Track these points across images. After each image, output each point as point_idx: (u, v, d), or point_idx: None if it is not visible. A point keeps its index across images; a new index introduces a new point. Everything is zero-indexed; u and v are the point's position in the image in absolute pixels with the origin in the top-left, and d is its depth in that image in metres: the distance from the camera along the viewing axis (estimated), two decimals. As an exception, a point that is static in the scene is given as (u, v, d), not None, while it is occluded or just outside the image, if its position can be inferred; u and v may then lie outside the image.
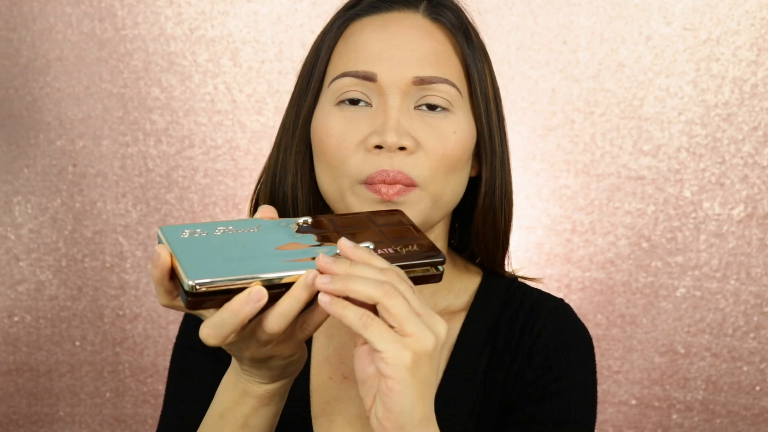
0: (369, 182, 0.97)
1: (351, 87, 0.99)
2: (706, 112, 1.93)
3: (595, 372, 1.06)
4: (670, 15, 1.91)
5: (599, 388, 1.99)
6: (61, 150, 1.99)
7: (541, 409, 1.02)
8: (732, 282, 1.96)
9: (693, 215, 1.95)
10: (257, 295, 0.75)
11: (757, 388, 1.98)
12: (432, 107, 0.99)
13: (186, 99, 1.97)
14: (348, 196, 0.98)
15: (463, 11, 1.05)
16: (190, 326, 1.10)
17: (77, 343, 2.04)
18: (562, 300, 1.10)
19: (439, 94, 0.99)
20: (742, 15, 1.91)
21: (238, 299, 0.76)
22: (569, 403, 1.02)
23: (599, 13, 1.92)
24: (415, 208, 0.97)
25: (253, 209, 1.10)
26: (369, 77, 0.98)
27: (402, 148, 0.96)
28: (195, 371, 1.07)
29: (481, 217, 1.06)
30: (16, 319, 2.04)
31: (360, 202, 0.98)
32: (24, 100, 1.99)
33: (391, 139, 0.95)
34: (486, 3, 1.91)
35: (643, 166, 1.94)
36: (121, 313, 2.03)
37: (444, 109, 0.99)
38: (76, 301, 2.03)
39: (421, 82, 0.98)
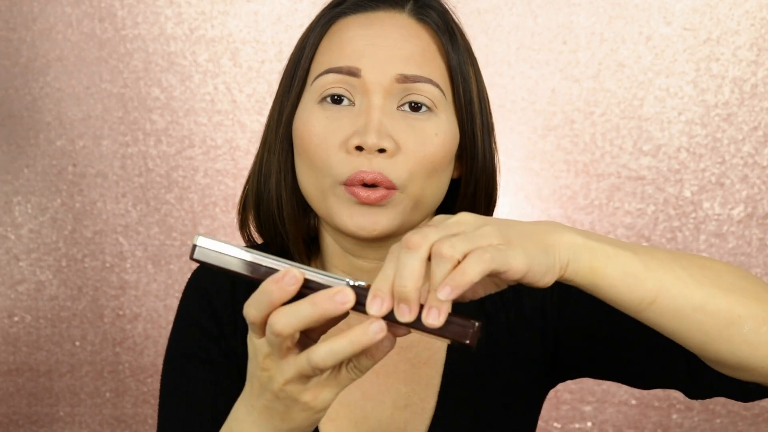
0: (348, 183, 0.96)
1: (334, 83, 0.98)
2: (706, 112, 1.93)
3: None
4: (670, 15, 1.91)
5: (599, 388, 1.99)
6: (61, 150, 1.99)
7: (578, 323, 1.04)
8: (732, 282, 1.96)
9: (693, 215, 1.95)
10: (344, 297, 0.72)
11: (757, 388, 1.98)
12: (415, 108, 0.98)
13: (186, 99, 1.97)
14: (329, 197, 0.98)
15: (449, 12, 1.05)
16: (182, 334, 1.09)
17: (77, 343, 2.04)
18: None
19: (423, 95, 0.98)
20: (742, 15, 1.91)
21: (323, 292, 0.72)
22: (576, 296, 1.03)
23: (599, 13, 1.92)
24: (396, 211, 0.97)
25: (242, 208, 1.10)
26: (352, 72, 0.97)
27: (382, 150, 0.96)
28: (192, 381, 1.05)
29: None
30: (16, 319, 2.04)
31: (340, 203, 0.97)
32: (24, 100, 1.99)
33: (372, 140, 0.95)
34: (486, 3, 1.91)
35: (643, 166, 1.94)
36: (121, 313, 2.03)
37: (428, 109, 0.98)
38: (76, 301, 2.03)
39: (405, 80, 0.97)
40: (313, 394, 0.78)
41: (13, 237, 2.02)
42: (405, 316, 0.71)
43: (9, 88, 1.98)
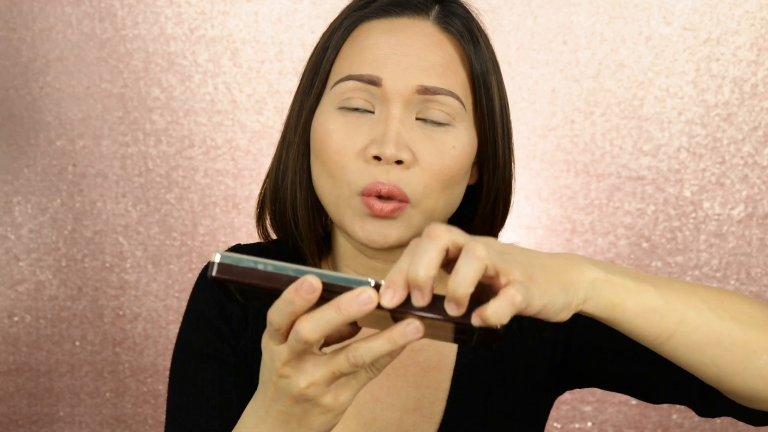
0: (365, 194, 0.96)
1: (354, 92, 0.98)
2: (706, 112, 1.93)
3: None
4: (670, 15, 1.91)
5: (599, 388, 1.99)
6: (61, 150, 1.99)
7: (590, 336, 1.04)
8: (732, 282, 1.96)
9: (693, 215, 1.95)
10: (367, 298, 0.72)
11: (757, 388, 1.97)
12: (434, 122, 0.98)
13: (186, 99, 1.97)
14: (344, 207, 0.98)
15: (474, 20, 1.05)
16: (191, 330, 1.09)
17: (77, 343, 2.04)
18: None
19: (442, 107, 0.98)
20: (742, 15, 1.91)
21: (346, 295, 0.72)
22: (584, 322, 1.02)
23: (599, 13, 1.92)
24: (407, 224, 0.97)
25: (260, 206, 1.10)
26: (373, 81, 0.97)
27: (399, 162, 0.96)
28: (200, 378, 1.05)
29: (479, 225, 1.06)
30: (16, 319, 2.04)
31: (353, 214, 0.97)
32: (24, 100, 1.99)
33: (390, 151, 0.95)
34: (486, 3, 1.91)
35: (643, 166, 1.94)
36: (121, 313, 2.03)
37: (447, 123, 0.99)
38: (76, 301, 2.03)
39: (425, 91, 0.97)
40: (334, 396, 0.78)
41: (13, 237, 2.02)
42: (419, 301, 0.72)
43: (9, 88, 1.98)
